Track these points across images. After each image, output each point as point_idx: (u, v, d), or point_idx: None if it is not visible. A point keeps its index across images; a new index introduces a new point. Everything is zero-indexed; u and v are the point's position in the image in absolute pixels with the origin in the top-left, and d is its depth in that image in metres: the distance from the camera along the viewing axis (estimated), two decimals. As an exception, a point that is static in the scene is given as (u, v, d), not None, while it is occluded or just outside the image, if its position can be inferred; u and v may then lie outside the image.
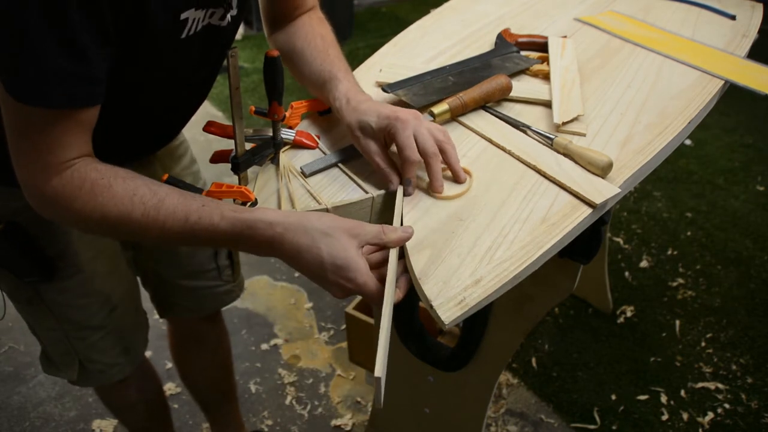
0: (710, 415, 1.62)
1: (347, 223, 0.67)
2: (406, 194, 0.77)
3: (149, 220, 0.66)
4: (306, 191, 0.78)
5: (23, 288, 0.94)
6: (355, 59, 3.51)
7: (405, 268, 0.69)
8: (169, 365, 1.76)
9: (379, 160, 0.77)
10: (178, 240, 0.68)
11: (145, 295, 1.16)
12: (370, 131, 0.77)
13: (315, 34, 0.91)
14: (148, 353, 1.79)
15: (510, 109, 0.95)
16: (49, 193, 0.65)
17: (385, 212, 0.79)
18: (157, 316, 1.24)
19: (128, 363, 1.09)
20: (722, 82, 1.01)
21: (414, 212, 0.75)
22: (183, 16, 0.69)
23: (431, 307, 0.63)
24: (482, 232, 0.71)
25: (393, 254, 0.67)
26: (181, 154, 1.08)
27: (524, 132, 0.88)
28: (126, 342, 1.07)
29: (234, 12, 0.78)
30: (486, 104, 0.94)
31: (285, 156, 0.84)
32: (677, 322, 1.90)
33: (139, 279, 1.14)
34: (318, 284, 0.67)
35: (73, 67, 0.60)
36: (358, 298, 1.54)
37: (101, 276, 0.98)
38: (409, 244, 0.70)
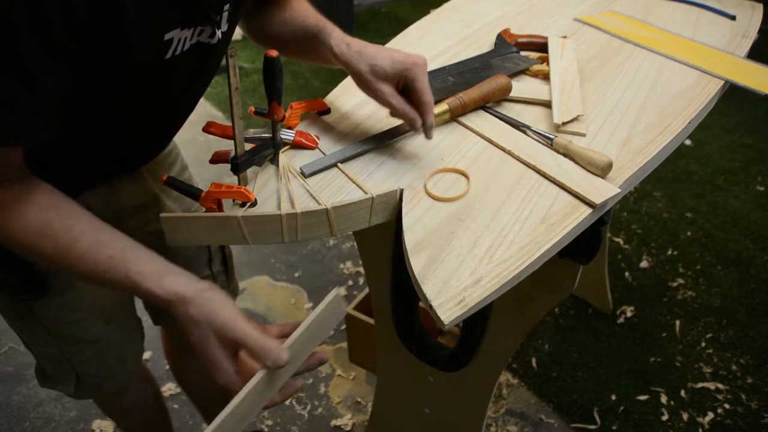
0: (710, 415, 1.62)
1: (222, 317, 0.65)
2: (428, 137, 0.80)
3: (59, 256, 0.65)
4: (305, 191, 0.78)
5: (15, 305, 0.92)
6: (355, 59, 3.50)
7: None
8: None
9: (397, 101, 0.78)
10: (90, 281, 0.67)
11: (137, 301, 1.15)
12: (383, 75, 0.78)
13: (290, 3, 0.90)
14: (147, 354, 1.80)
15: (510, 110, 0.95)
16: None
17: (384, 213, 0.79)
18: (155, 317, 1.24)
19: (124, 374, 1.08)
20: (722, 82, 1.01)
21: (414, 212, 0.75)
22: (167, 36, 0.67)
23: (431, 307, 0.63)
24: (482, 233, 0.71)
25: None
26: (171, 162, 1.06)
27: (524, 132, 0.88)
28: (122, 353, 1.06)
29: (225, 28, 0.76)
30: (486, 104, 0.94)
31: (285, 156, 0.84)
32: (677, 322, 1.90)
33: None
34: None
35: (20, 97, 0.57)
36: (360, 296, 1.54)
37: (95, 289, 0.95)
38: (408, 245, 0.70)
